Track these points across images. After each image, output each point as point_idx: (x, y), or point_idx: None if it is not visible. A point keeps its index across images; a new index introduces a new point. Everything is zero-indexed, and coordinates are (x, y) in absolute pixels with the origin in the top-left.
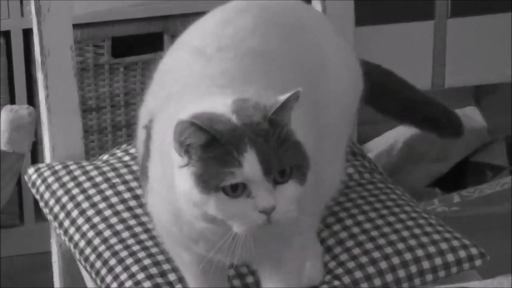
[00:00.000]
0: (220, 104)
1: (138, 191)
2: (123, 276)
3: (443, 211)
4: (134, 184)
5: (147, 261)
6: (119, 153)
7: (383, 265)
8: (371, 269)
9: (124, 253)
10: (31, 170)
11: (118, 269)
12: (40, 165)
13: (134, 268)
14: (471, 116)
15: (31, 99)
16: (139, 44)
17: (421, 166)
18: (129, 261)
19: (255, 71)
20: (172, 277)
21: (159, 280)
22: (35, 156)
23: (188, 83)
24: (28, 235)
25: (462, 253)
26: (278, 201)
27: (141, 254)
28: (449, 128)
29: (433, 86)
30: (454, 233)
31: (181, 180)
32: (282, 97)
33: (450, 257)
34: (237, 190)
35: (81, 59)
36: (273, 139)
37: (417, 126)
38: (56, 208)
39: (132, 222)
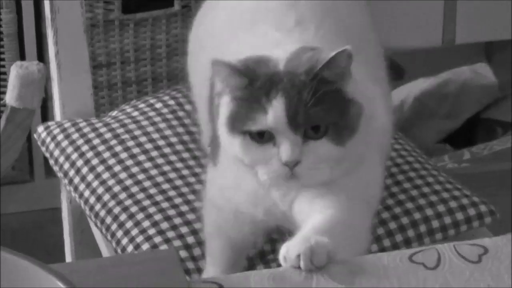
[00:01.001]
0: (283, 49)
1: (147, 146)
2: (134, 231)
3: (453, 168)
4: (143, 139)
5: (157, 216)
6: (128, 109)
7: (392, 225)
8: (380, 230)
9: (134, 208)
10: (40, 129)
11: (129, 224)
12: (49, 123)
13: (145, 224)
14: (481, 72)
15: (41, 56)
16: (149, 0)
17: (432, 122)
18: (139, 216)
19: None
20: (183, 229)
21: (170, 234)
22: (45, 112)
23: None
24: (39, 191)
25: (471, 211)
26: (305, 156)
27: (151, 209)
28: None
29: (444, 42)
30: (463, 190)
31: (221, 117)
32: (331, 54)
33: (459, 216)
34: (264, 137)
35: (91, 15)
36: (310, 93)
37: None
38: (66, 165)
39: (141, 176)
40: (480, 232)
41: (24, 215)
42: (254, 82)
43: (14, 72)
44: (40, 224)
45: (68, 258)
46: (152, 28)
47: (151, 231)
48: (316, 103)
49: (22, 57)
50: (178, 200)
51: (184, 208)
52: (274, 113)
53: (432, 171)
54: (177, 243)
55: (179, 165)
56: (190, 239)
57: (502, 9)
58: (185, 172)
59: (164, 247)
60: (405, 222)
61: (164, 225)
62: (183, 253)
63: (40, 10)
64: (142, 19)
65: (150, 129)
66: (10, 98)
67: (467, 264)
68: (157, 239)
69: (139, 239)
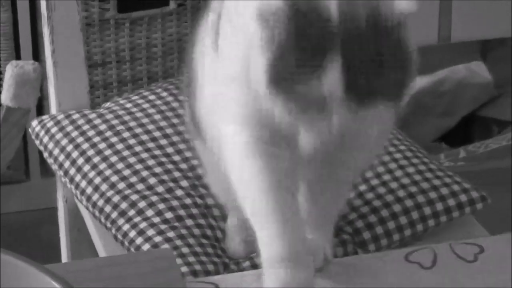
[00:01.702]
0: None
1: (143, 137)
2: (137, 219)
3: (449, 166)
4: (138, 130)
5: (161, 206)
6: (121, 101)
7: (384, 213)
8: (372, 218)
9: (134, 196)
10: (34, 123)
11: (131, 212)
12: (43, 116)
13: (149, 213)
14: (477, 70)
15: (37, 55)
16: None
17: (427, 120)
18: (142, 204)
19: None
20: (189, 222)
21: (177, 224)
22: (41, 111)
23: None
24: (34, 190)
25: (463, 197)
26: (358, 125)
27: (153, 198)
28: None
29: (440, 40)
30: (454, 177)
31: (255, 61)
32: None
33: (451, 202)
34: (313, 102)
35: (87, 14)
36: (374, 51)
37: None
38: (61, 157)
39: (138, 166)
40: (469, 221)
41: (20, 214)
42: (303, 31)
43: (10, 71)
44: (36, 224)
45: (64, 257)
46: (148, 27)
47: (156, 219)
48: (380, 65)
49: (18, 56)
50: (179, 192)
51: (188, 201)
52: (330, 79)
53: (424, 159)
54: (183, 231)
55: (176, 158)
56: (196, 231)
57: (497, 7)
58: (183, 166)
59: (171, 233)
60: (397, 210)
61: (169, 214)
62: (191, 240)
63: (36, 9)
64: (137, 18)
65: (145, 120)
66: (5, 97)
67: (463, 263)
68: (163, 226)
69: (143, 225)
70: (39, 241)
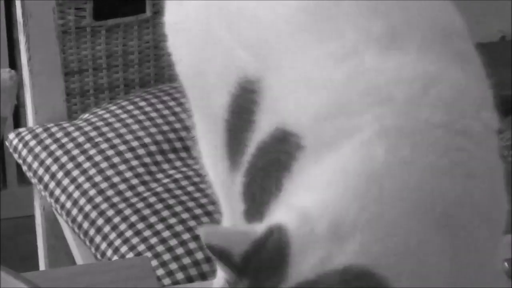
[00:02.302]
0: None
1: (121, 148)
2: (112, 236)
3: None
4: (116, 141)
5: (133, 218)
6: (99, 111)
7: None
8: None
9: (110, 212)
10: (11, 136)
11: (107, 228)
12: (21, 129)
13: (122, 226)
14: None
15: (13, 62)
16: (121, 6)
17: None
18: (116, 219)
19: None
20: (165, 234)
21: (147, 233)
22: (17, 119)
23: None
24: (11, 199)
25: None
26: None
27: (127, 211)
28: None
29: None
30: None
31: None
32: None
33: None
34: None
35: (63, 22)
36: None
37: None
38: (40, 171)
39: (116, 179)
40: None
41: None
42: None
43: None
44: (13, 232)
45: (42, 265)
46: (124, 34)
47: (129, 233)
48: None
49: None
50: (152, 199)
51: (159, 206)
52: None
53: None
54: (153, 240)
55: (153, 168)
56: (170, 239)
57: (467, 13)
58: (159, 175)
59: (142, 247)
60: None
61: (141, 225)
62: (159, 248)
63: (12, 16)
64: (114, 26)
65: (123, 130)
66: None
67: None
68: (135, 240)
69: (117, 242)
70: (16, 249)
